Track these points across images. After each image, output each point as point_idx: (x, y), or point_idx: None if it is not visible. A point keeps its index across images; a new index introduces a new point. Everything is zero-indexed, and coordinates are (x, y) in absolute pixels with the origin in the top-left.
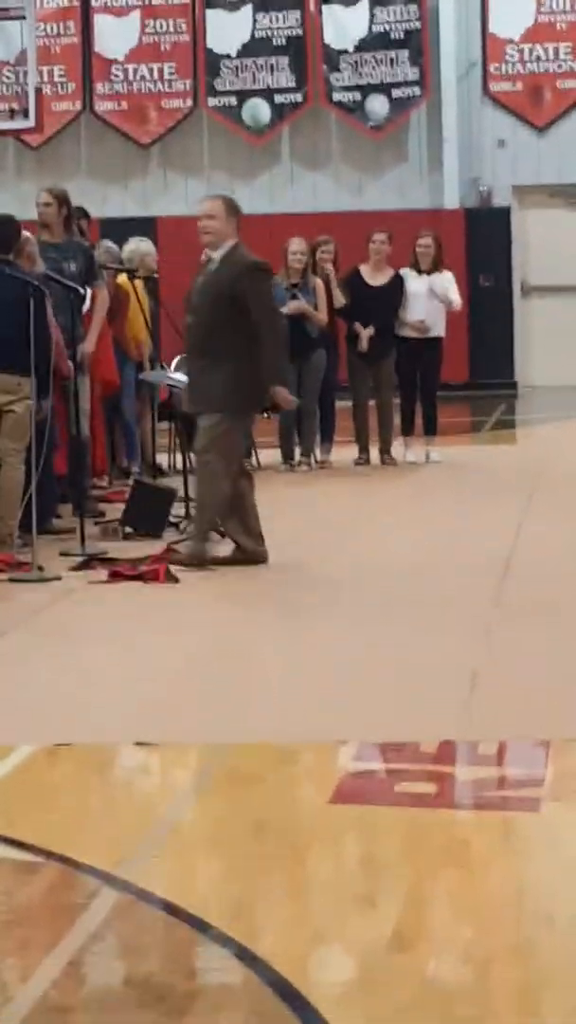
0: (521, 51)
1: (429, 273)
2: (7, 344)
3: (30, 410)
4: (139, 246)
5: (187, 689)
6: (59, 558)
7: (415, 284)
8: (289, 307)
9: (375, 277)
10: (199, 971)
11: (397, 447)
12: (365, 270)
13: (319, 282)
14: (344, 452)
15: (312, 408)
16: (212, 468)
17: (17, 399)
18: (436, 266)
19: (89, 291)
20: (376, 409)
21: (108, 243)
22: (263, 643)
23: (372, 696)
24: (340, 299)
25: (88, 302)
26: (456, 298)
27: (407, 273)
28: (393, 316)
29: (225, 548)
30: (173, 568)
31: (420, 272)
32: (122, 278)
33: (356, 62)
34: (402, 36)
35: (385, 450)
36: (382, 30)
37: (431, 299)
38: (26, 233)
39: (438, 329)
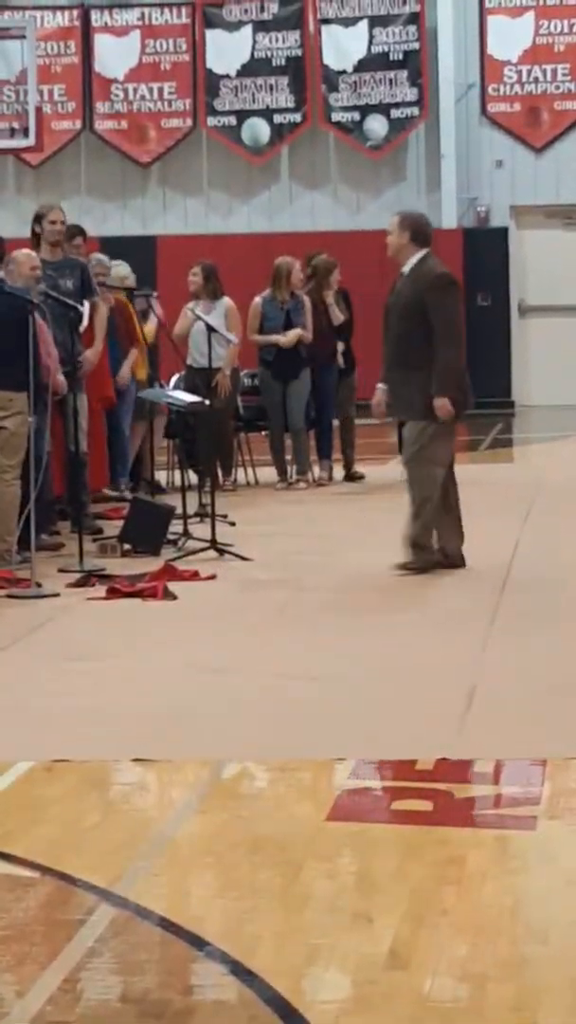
0: (519, 72)
1: None
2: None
3: (26, 426)
4: (118, 270)
5: (185, 705)
6: (57, 574)
7: None
8: (289, 336)
9: None
10: (196, 987)
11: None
12: None
13: (307, 300)
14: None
15: (300, 426)
16: (423, 474)
17: (9, 415)
18: None
19: (87, 305)
20: (340, 427)
21: (99, 256)
22: (261, 659)
23: (369, 713)
24: (339, 316)
25: (86, 318)
26: None
27: None
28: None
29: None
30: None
31: None
32: (121, 296)
33: (355, 82)
34: (401, 57)
35: (348, 467)
36: (381, 51)
37: None
38: (27, 252)
39: None
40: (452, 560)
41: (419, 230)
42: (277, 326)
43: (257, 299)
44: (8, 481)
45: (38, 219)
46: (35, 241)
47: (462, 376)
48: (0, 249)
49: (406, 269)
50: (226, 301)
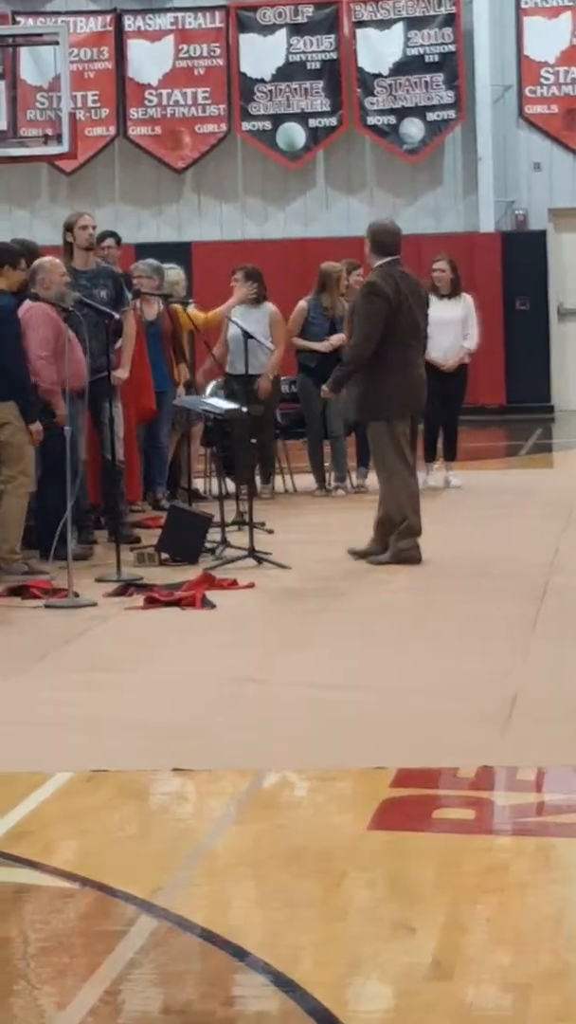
0: (556, 74)
1: (450, 298)
2: None
3: (20, 435)
4: (171, 274)
5: (224, 715)
6: (95, 584)
7: (436, 310)
8: (331, 341)
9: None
10: (237, 998)
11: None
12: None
13: (347, 305)
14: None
15: (339, 433)
16: (385, 472)
17: (1, 426)
18: (455, 290)
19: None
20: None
21: (148, 261)
22: (300, 667)
23: (410, 721)
24: None
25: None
26: (471, 344)
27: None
28: None
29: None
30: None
31: (440, 297)
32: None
33: (391, 85)
34: (437, 59)
35: (340, 478)
36: (417, 53)
37: (456, 326)
38: (52, 259)
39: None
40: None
41: (376, 239)
42: (321, 332)
43: (303, 303)
44: (13, 490)
45: (69, 228)
46: (68, 251)
47: (396, 383)
48: (34, 256)
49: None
50: (269, 307)
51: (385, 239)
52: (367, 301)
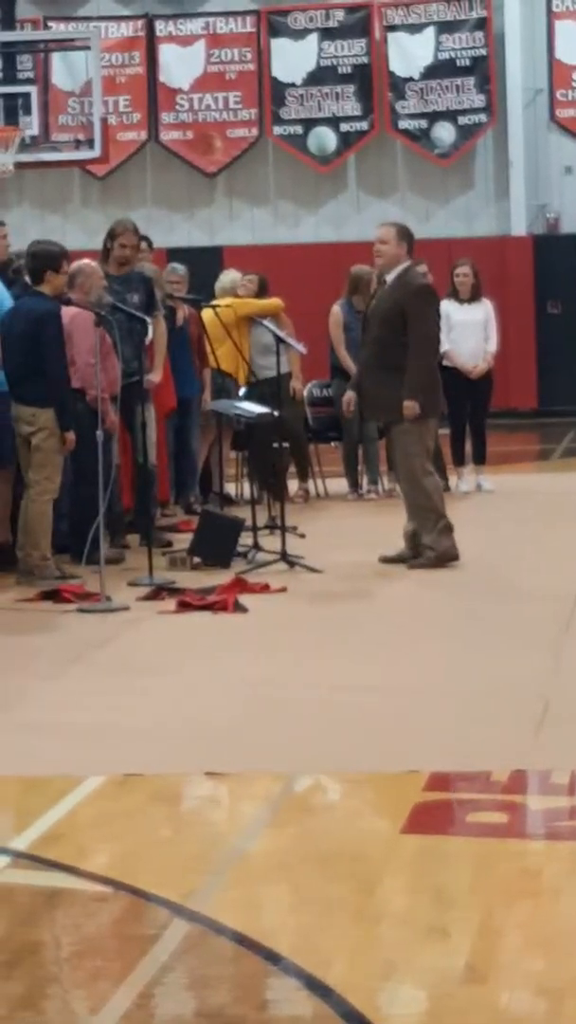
0: None
1: (470, 302)
2: (22, 375)
3: (53, 440)
4: (225, 278)
5: (257, 718)
6: (127, 588)
7: (460, 314)
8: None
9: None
10: (270, 1002)
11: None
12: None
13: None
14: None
15: (373, 436)
16: (414, 476)
17: (35, 430)
18: (476, 294)
19: (150, 322)
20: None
21: (174, 265)
22: (333, 671)
23: (443, 725)
24: None
25: (150, 332)
26: (492, 348)
27: (449, 304)
28: None
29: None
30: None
31: (461, 302)
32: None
33: (422, 89)
34: (468, 63)
35: (373, 481)
36: (448, 57)
37: (478, 329)
38: (88, 263)
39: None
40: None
41: (412, 242)
42: (357, 335)
43: (336, 308)
44: (36, 495)
45: (112, 235)
46: (105, 256)
47: (432, 382)
48: (48, 261)
49: (390, 277)
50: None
51: (412, 240)
52: (424, 302)
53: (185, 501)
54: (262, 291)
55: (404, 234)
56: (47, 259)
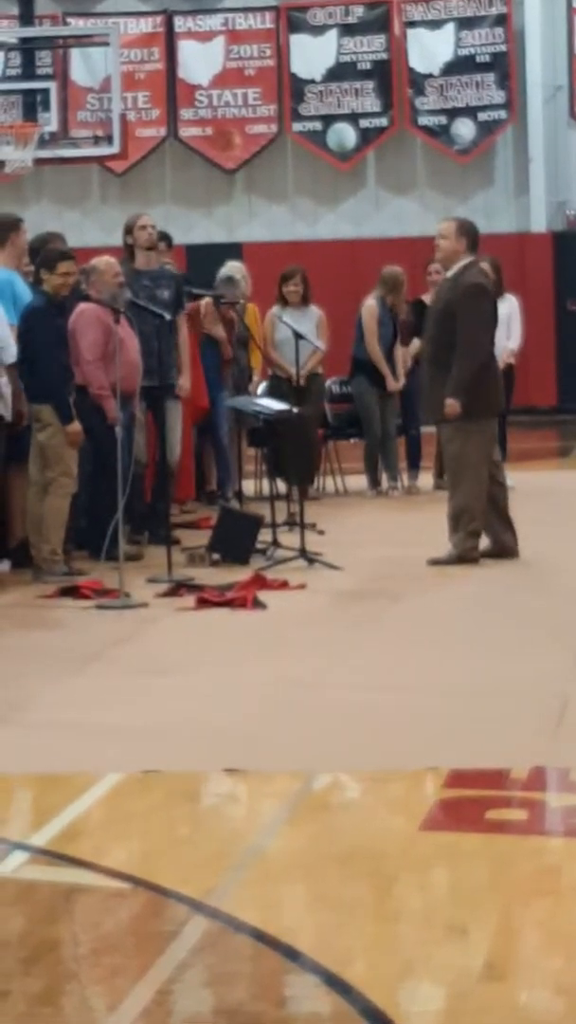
0: None
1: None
2: (25, 372)
3: (59, 437)
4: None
5: (276, 715)
6: (146, 585)
7: None
8: (409, 358)
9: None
10: (289, 999)
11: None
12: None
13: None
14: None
15: (392, 431)
16: (463, 478)
17: (40, 427)
18: (499, 291)
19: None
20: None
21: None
22: (352, 669)
23: (461, 722)
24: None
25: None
26: (515, 344)
27: None
28: None
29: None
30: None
31: None
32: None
33: (442, 86)
34: (488, 59)
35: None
36: (468, 53)
37: (501, 326)
38: (108, 259)
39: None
40: (508, 551)
41: (473, 238)
42: (388, 334)
43: (372, 302)
44: (52, 492)
45: (128, 230)
46: (128, 253)
47: (478, 381)
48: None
49: (450, 274)
50: (315, 310)
51: (476, 236)
52: (476, 302)
53: (224, 496)
54: (305, 285)
55: (464, 230)
56: (42, 258)
